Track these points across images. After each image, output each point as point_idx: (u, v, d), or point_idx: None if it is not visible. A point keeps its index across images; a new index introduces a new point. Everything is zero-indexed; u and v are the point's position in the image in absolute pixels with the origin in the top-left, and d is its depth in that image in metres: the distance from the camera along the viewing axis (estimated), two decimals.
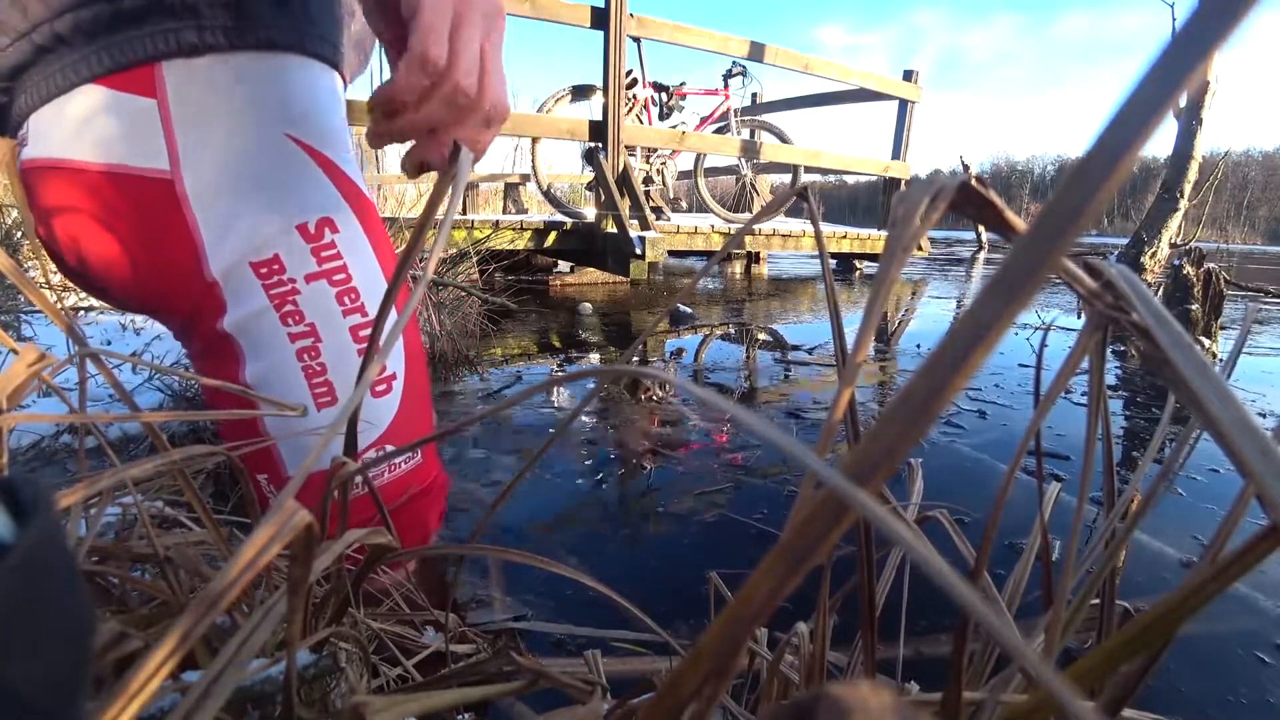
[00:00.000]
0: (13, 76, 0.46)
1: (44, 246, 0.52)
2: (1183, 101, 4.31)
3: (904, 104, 5.15)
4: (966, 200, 0.17)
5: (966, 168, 7.85)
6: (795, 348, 2.37)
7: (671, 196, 4.68)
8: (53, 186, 0.48)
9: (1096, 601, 0.28)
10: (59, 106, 0.46)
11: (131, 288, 0.52)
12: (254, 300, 0.51)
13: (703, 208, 5.03)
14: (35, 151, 0.47)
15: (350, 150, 0.57)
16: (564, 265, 4.50)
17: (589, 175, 4.39)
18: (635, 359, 2.13)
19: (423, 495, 0.61)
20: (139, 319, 1.86)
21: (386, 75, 0.42)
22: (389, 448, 0.56)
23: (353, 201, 0.55)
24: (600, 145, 3.71)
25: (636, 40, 3.88)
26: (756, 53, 4.25)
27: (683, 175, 5.19)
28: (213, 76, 0.47)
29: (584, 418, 1.48)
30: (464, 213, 5.14)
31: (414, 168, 0.45)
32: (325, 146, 0.53)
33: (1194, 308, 2.44)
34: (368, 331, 0.54)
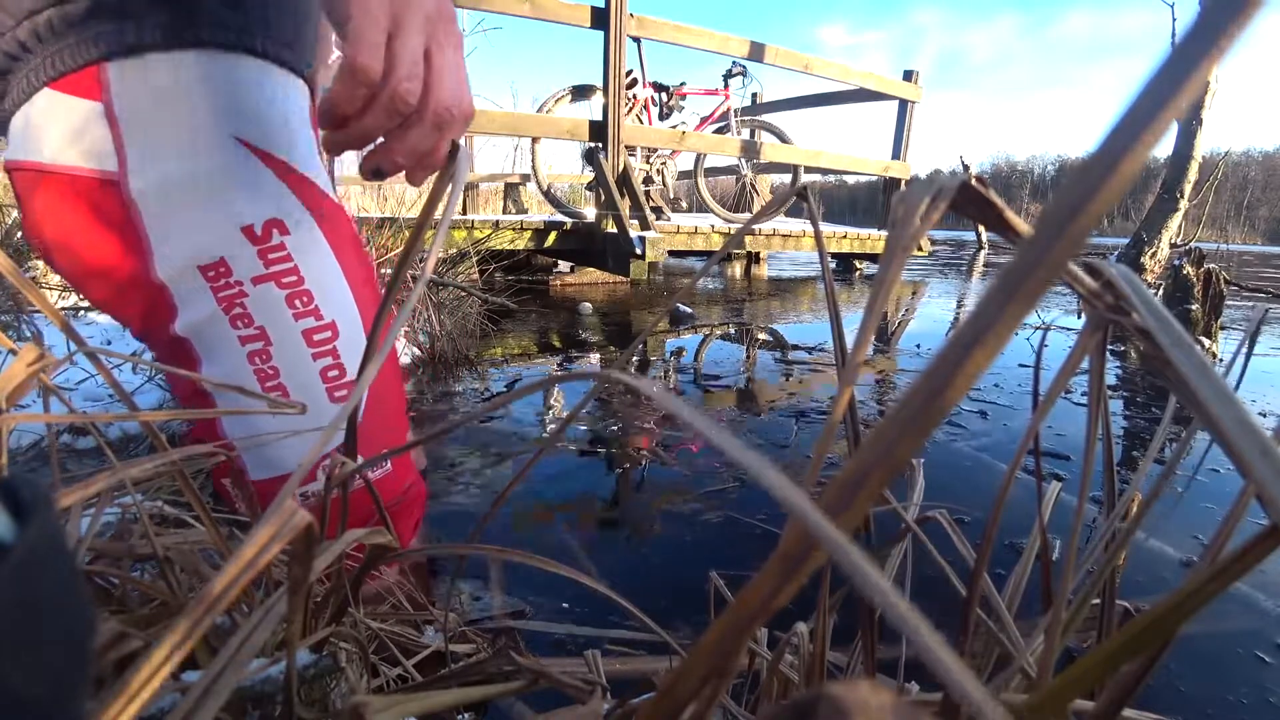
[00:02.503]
0: None
1: (28, 238, 0.54)
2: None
3: (904, 104, 5.15)
4: (967, 200, 0.17)
5: (966, 168, 7.85)
6: (795, 347, 2.37)
7: (671, 196, 4.68)
8: (21, 186, 0.50)
9: (1097, 601, 0.28)
10: (25, 111, 0.48)
11: (92, 288, 0.52)
12: (203, 304, 0.51)
13: (703, 208, 5.02)
14: (7, 153, 0.50)
15: (313, 153, 0.56)
16: (564, 265, 4.50)
17: (589, 175, 4.39)
18: (635, 359, 2.13)
19: (390, 507, 0.58)
20: None
21: None
22: (360, 457, 0.55)
23: (310, 203, 0.54)
24: (600, 145, 3.71)
25: (636, 40, 3.88)
26: (756, 53, 4.25)
27: (683, 175, 5.18)
28: (156, 77, 0.47)
29: (583, 418, 1.48)
30: (464, 213, 5.14)
31: (368, 173, 0.44)
32: (277, 148, 0.52)
33: (1194, 308, 2.44)
34: (323, 335, 0.53)
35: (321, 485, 0.54)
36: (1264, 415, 1.69)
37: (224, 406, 0.53)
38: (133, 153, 0.47)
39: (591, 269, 4.22)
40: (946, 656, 0.09)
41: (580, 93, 3.92)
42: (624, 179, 3.72)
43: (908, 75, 5.12)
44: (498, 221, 3.57)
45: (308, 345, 0.53)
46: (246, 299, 0.51)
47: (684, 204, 5.23)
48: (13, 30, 0.45)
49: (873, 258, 5.40)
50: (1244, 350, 0.28)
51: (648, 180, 4.30)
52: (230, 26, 0.49)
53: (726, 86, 4.66)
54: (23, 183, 0.49)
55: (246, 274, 0.51)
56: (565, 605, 0.79)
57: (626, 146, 3.81)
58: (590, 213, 3.95)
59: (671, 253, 4.19)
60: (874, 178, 5.42)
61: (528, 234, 3.62)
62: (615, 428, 1.44)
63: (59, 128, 0.47)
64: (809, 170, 5.01)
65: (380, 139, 0.43)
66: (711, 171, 5.92)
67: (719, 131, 4.68)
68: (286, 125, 0.53)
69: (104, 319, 1.86)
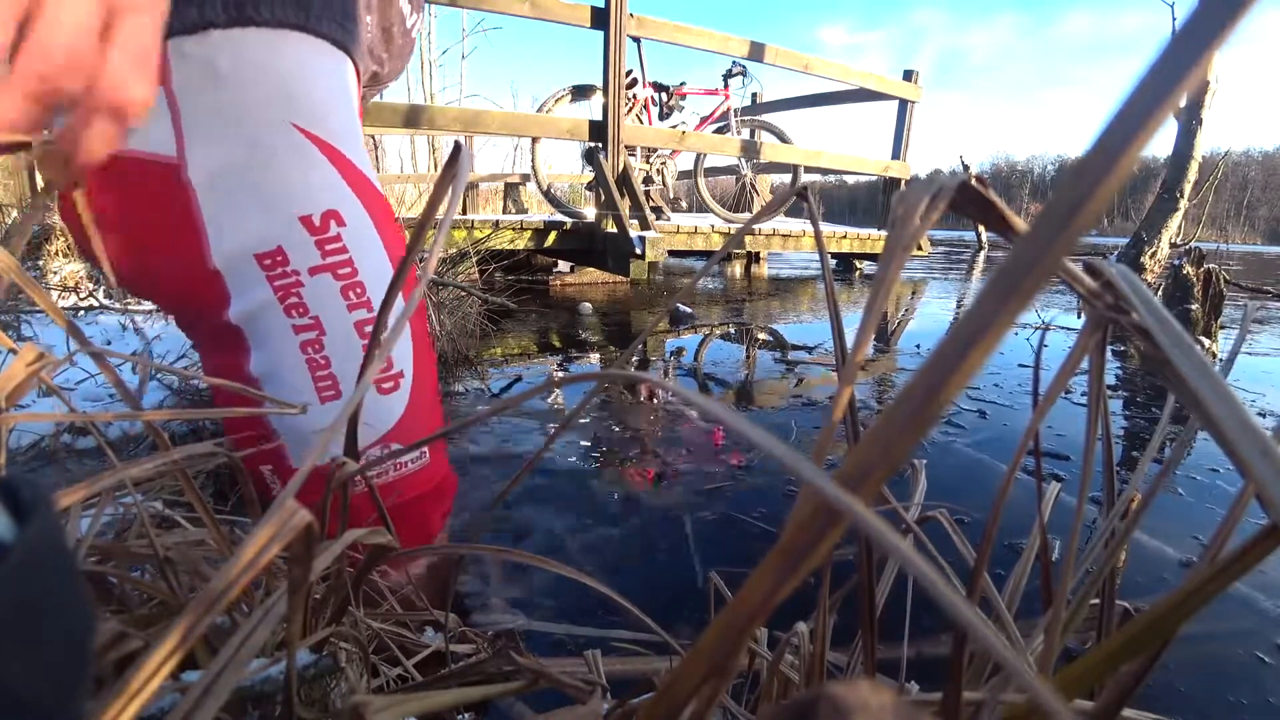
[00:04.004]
0: None
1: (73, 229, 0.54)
2: (1182, 101, 4.31)
3: (904, 104, 5.15)
4: (966, 200, 0.17)
5: (966, 167, 7.85)
6: (795, 347, 2.37)
7: (671, 196, 4.67)
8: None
9: (1096, 601, 0.28)
10: None
11: (141, 275, 0.52)
12: (258, 292, 0.51)
13: (703, 208, 5.02)
14: None
15: (361, 141, 0.56)
16: (564, 265, 4.50)
17: (589, 175, 4.39)
18: (635, 359, 2.13)
19: (427, 496, 0.60)
20: (139, 319, 1.86)
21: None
22: (395, 446, 0.56)
23: (362, 195, 0.54)
24: (600, 145, 3.71)
25: (636, 40, 3.88)
26: (756, 53, 4.24)
27: (683, 175, 5.18)
28: (216, 57, 0.46)
29: (584, 418, 1.48)
30: (464, 213, 5.14)
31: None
32: (333, 137, 0.52)
33: (1194, 308, 2.44)
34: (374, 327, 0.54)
35: (370, 470, 0.55)
36: (1264, 415, 1.69)
37: (267, 396, 0.53)
38: (191, 138, 0.47)
39: (591, 269, 4.21)
40: (978, 622, 0.09)
41: (580, 93, 3.92)
42: (624, 179, 3.72)
43: (908, 75, 5.12)
44: (498, 221, 3.57)
45: (359, 337, 0.53)
46: (302, 289, 0.51)
47: (684, 204, 5.23)
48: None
49: (873, 258, 5.40)
50: (1236, 347, 0.28)
51: (648, 180, 4.29)
52: (287, 3, 0.49)
53: (726, 86, 4.66)
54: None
55: (304, 264, 0.51)
56: (565, 605, 0.79)
57: (626, 146, 3.81)
58: (590, 213, 3.95)
59: (671, 253, 4.19)
60: (874, 178, 5.42)
61: (528, 234, 3.62)
62: (615, 428, 1.44)
63: None
64: (809, 170, 5.01)
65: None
66: (711, 171, 5.92)
67: (719, 131, 4.67)
68: (338, 109, 0.53)
69: (105, 319, 1.86)
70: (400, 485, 0.57)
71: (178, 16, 0.45)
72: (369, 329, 0.54)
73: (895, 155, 5.25)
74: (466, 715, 0.40)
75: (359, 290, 0.53)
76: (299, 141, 0.50)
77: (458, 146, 0.33)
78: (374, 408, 0.55)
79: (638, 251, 3.37)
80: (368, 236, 0.54)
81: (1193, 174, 4.39)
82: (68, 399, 0.34)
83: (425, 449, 0.59)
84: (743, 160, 4.79)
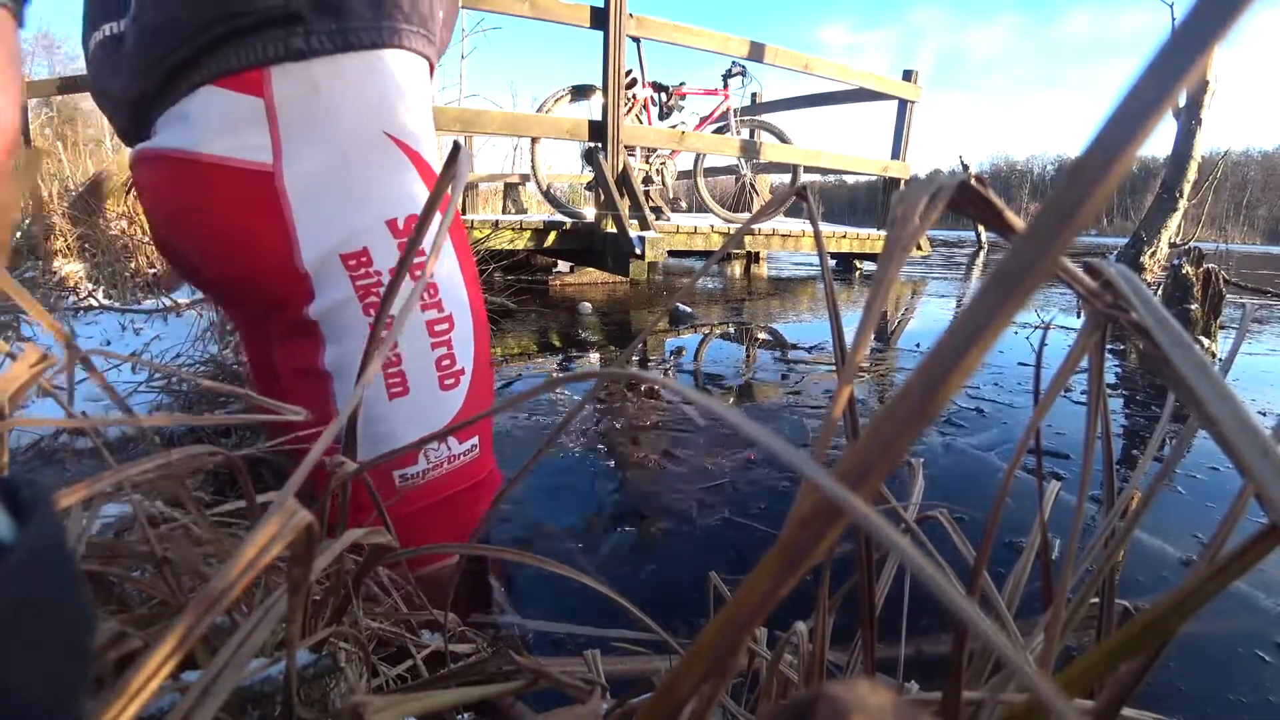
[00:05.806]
0: (150, 99, 0.51)
1: (150, 229, 0.57)
2: (1182, 101, 4.31)
3: (904, 104, 5.15)
4: (966, 200, 0.17)
5: (966, 167, 7.85)
6: (795, 347, 2.37)
7: (671, 196, 4.67)
8: (159, 173, 0.52)
9: (1096, 600, 0.28)
10: (179, 107, 0.50)
11: (223, 272, 0.55)
12: (339, 289, 0.53)
13: (703, 208, 5.02)
14: (150, 143, 0.51)
15: (434, 142, 0.58)
16: (563, 265, 4.50)
17: (589, 175, 4.38)
18: (635, 358, 2.13)
19: (477, 488, 0.63)
20: (139, 319, 1.86)
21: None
22: (451, 440, 0.59)
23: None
24: (600, 145, 3.71)
25: (636, 40, 3.87)
26: (756, 53, 4.24)
27: (683, 175, 5.18)
28: (318, 78, 0.49)
29: (584, 417, 1.48)
30: (463, 212, 5.13)
31: None
32: (416, 143, 0.54)
33: (1193, 307, 2.44)
34: (442, 327, 0.56)
35: (422, 468, 0.57)
36: (1264, 415, 1.69)
37: (337, 388, 0.55)
38: (289, 147, 0.50)
39: (591, 269, 4.21)
40: (978, 619, 0.09)
41: (580, 93, 3.92)
42: (623, 179, 3.72)
43: (907, 75, 5.12)
44: (497, 221, 3.57)
45: (429, 335, 0.56)
46: (382, 288, 0.53)
47: (684, 204, 5.23)
48: (178, 50, 0.48)
49: (872, 257, 5.39)
50: (1235, 346, 0.28)
51: (647, 180, 4.29)
52: (386, 27, 0.51)
53: (726, 86, 4.65)
54: (161, 170, 0.51)
55: (385, 264, 0.53)
56: (565, 605, 0.79)
57: (626, 146, 3.81)
58: (590, 213, 3.95)
59: (671, 253, 4.19)
60: (873, 177, 5.42)
61: (527, 234, 3.62)
62: (615, 427, 1.44)
63: (217, 120, 0.49)
64: (808, 170, 5.00)
65: None
66: (711, 171, 5.91)
67: (718, 131, 4.67)
68: (422, 115, 0.56)
69: (105, 319, 1.86)
70: (454, 477, 0.60)
71: (285, 46, 0.48)
72: (438, 329, 0.56)
73: (895, 155, 5.24)
74: (466, 715, 0.40)
75: (431, 291, 0.56)
76: (389, 148, 0.53)
77: (457, 146, 0.33)
78: (435, 404, 0.57)
79: (637, 251, 3.37)
80: (443, 240, 0.56)
81: (1192, 174, 4.39)
82: (65, 402, 0.34)
83: (476, 442, 0.62)
84: (742, 160, 4.78)
